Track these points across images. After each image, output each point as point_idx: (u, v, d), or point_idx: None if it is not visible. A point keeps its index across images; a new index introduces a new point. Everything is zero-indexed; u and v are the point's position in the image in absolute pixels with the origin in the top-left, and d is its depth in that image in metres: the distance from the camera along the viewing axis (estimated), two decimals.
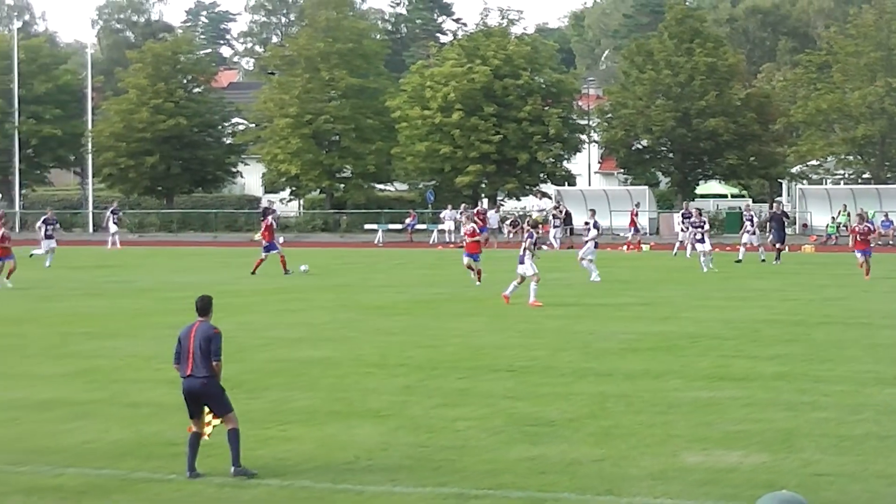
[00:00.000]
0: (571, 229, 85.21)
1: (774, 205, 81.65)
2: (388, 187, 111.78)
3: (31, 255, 61.28)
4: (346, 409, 24.84)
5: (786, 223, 67.12)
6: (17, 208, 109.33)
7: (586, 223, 58.95)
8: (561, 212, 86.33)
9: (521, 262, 41.52)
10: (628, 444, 21.54)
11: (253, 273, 53.22)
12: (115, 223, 67.35)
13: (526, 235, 43.59)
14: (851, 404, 25.00)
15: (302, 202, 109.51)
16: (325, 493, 18.47)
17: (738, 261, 62.03)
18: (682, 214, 74.24)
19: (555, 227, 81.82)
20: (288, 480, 19.24)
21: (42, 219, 64.08)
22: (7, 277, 50.20)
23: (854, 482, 18.59)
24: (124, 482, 19.38)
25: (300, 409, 24.91)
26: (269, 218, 55.62)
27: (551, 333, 36.23)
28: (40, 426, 23.91)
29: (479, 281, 48.57)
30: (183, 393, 18.82)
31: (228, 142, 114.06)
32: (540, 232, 51.17)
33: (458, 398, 25.90)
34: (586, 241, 55.19)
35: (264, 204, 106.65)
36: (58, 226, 67.85)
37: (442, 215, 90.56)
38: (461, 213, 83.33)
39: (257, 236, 54.69)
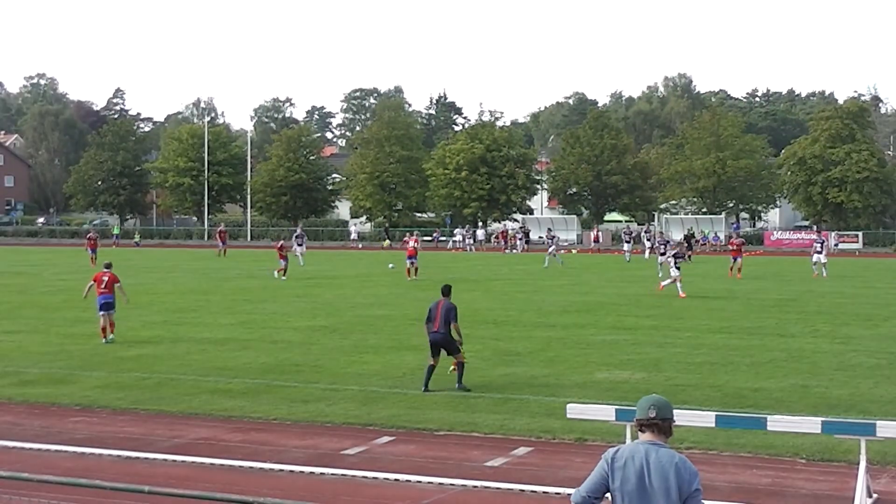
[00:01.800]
0: (528, 240, 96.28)
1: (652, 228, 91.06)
2: (423, 215, 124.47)
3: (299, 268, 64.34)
4: (398, 345, 27.30)
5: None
6: (205, 226, 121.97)
7: (549, 237, 69.33)
8: (525, 231, 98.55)
9: (677, 269, 42.90)
10: (564, 367, 23.45)
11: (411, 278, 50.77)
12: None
13: (671, 251, 46.24)
14: (695, 343, 27.31)
15: (372, 223, 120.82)
16: (386, 394, 20.25)
17: (628, 261, 70.37)
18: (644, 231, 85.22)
19: (519, 239, 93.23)
20: (364, 386, 21.07)
21: (295, 234, 69.41)
22: (283, 274, 52.11)
23: (697, 390, 20.31)
24: (268, 387, 21.13)
25: (371, 344, 27.35)
26: (415, 235, 56.57)
27: (519, 301, 39.52)
28: (219, 354, 25.91)
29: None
30: (430, 342, 20.70)
31: (330, 188, 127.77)
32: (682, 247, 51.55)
33: (464, 339, 24.85)
34: (551, 247, 64.21)
35: (352, 226, 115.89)
36: (306, 238, 71.07)
37: (455, 232, 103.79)
38: (466, 231, 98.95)
39: (411, 243, 53.82)
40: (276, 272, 52.80)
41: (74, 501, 11.66)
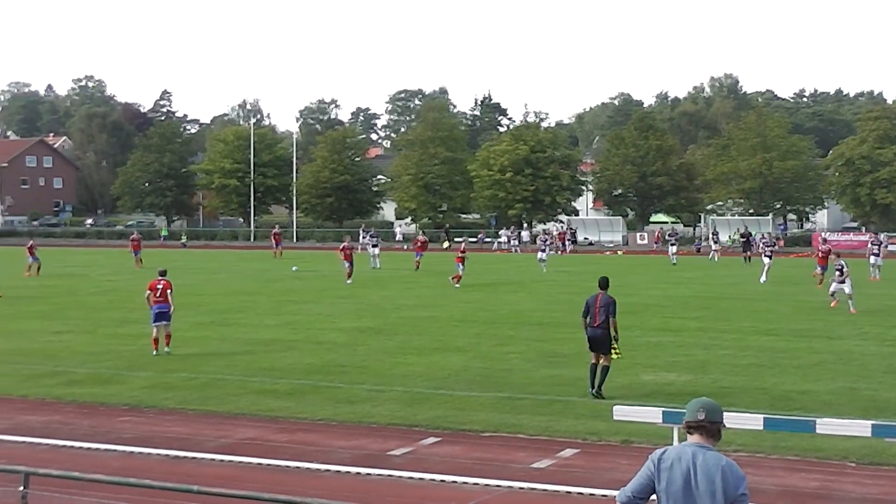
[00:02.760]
0: (575, 241, 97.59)
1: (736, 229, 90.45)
2: (467, 216, 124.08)
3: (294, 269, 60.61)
4: (442, 346, 27.37)
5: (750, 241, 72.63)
6: (251, 227, 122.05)
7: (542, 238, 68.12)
8: (572, 231, 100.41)
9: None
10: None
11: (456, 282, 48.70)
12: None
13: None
14: (741, 346, 27.18)
15: (416, 225, 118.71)
16: (432, 395, 20.30)
17: (674, 264, 67.76)
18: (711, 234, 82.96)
19: (568, 240, 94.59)
20: (408, 388, 21.09)
21: (369, 235, 70.03)
22: (350, 279, 50.21)
23: (744, 392, 20.18)
24: (314, 388, 21.22)
25: (416, 346, 27.44)
26: (464, 244, 54.68)
27: (564, 303, 39.22)
28: (265, 354, 26.07)
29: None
30: (588, 337, 19.99)
31: (374, 189, 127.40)
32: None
33: (508, 340, 28.33)
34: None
35: (397, 228, 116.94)
36: (380, 238, 69.64)
37: (500, 233, 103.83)
38: (511, 232, 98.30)
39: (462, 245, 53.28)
40: (347, 278, 50.84)
41: (123, 500, 11.77)
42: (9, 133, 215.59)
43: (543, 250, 62.12)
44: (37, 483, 9.62)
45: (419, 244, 62.86)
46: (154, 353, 25.99)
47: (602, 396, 19.38)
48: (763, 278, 49.67)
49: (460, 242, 57.92)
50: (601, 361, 19.75)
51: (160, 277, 26.72)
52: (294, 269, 60.57)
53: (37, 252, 57.53)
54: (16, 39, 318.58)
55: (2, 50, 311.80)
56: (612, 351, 19.76)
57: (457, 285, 47.41)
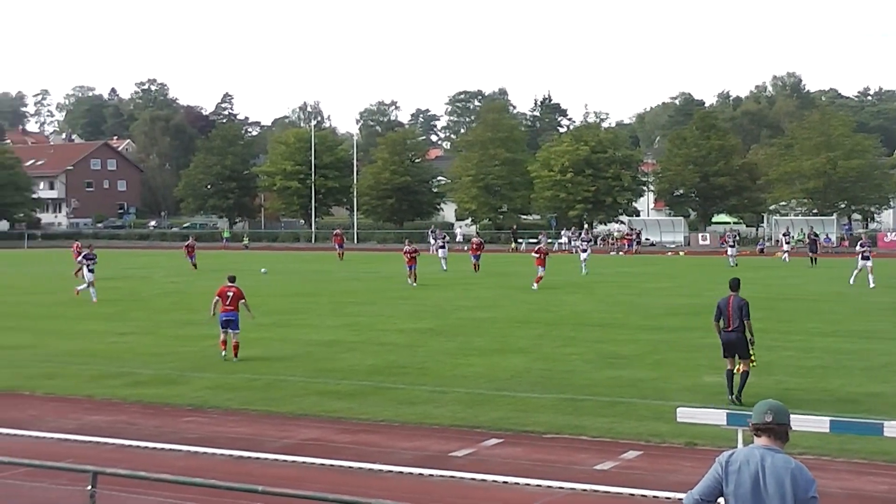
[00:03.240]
0: (640, 242, 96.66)
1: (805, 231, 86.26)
2: (527, 217, 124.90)
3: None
4: (504, 347, 27.35)
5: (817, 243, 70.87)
6: (312, 229, 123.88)
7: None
8: (637, 232, 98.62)
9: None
10: (671, 370, 23.33)
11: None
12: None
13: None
14: (805, 347, 27.03)
15: (477, 226, 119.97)
16: (493, 396, 20.29)
17: (733, 266, 65.07)
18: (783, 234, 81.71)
19: (633, 241, 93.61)
20: (470, 389, 21.10)
21: (434, 235, 71.83)
22: (414, 280, 49.76)
23: (808, 394, 20.03)
24: (376, 389, 21.37)
25: (476, 347, 27.46)
26: (543, 245, 53.87)
27: (624, 304, 39.36)
28: (326, 355, 26.16)
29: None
30: (722, 342, 19.57)
31: (434, 190, 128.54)
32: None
33: (569, 342, 28.27)
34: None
35: (457, 229, 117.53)
36: (447, 239, 69.44)
37: (561, 234, 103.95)
38: (572, 233, 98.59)
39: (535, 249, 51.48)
40: (409, 279, 50.58)
41: (189, 500, 11.87)
42: (74, 136, 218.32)
43: (585, 250, 60.92)
44: (104, 482, 9.71)
45: (475, 246, 61.50)
46: (223, 353, 25.68)
47: (741, 402, 18.65)
48: (871, 284, 46.68)
49: (538, 243, 57.32)
50: (739, 367, 19.25)
51: (230, 284, 25.96)
52: (263, 271, 59.16)
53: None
54: (80, 44, 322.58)
55: (67, 54, 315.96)
56: (750, 356, 19.29)
57: (535, 286, 46.88)
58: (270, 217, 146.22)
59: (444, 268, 60.45)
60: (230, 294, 25.61)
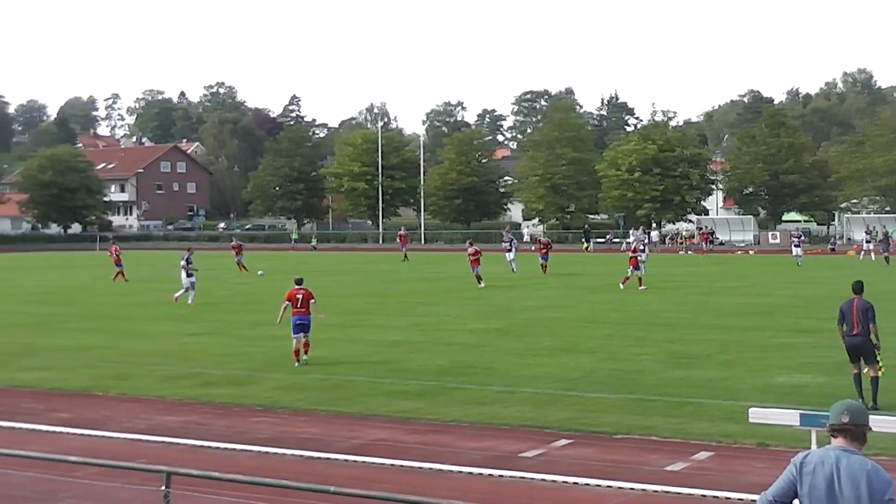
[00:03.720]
0: (713, 241, 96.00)
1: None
2: (595, 216, 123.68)
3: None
4: (572, 347, 27.31)
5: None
6: (380, 229, 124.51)
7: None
8: (710, 231, 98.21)
9: None
10: (742, 370, 23.08)
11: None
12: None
13: None
14: None
15: (544, 226, 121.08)
16: (560, 396, 20.25)
17: (799, 266, 64.44)
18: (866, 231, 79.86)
19: (710, 241, 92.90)
20: (538, 389, 21.07)
21: (507, 235, 68.21)
22: (479, 281, 48.55)
23: (884, 394, 19.28)
24: (444, 389, 21.43)
25: (545, 347, 27.43)
26: (635, 243, 54.77)
27: (693, 304, 39.17)
28: (394, 355, 26.37)
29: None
30: (846, 347, 19.09)
31: (501, 190, 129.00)
32: None
33: (638, 341, 28.17)
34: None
35: (525, 229, 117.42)
36: (515, 242, 67.05)
37: (630, 232, 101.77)
38: (640, 232, 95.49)
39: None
40: (478, 283, 48.86)
41: (260, 500, 11.94)
42: (144, 139, 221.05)
43: (643, 250, 56.19)
44: (176, 482, 9.74)
45: (543, 246, 59.80)
46: (296, 364, 24.92)
47: (878, 408, 17.96)
48: None
49: (631, 243, 56.68)
50: (866, 372, 18.72)
51: (298, 287, 25.25)
52: (259, 272, 58.60)
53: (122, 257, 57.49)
54: (150, 48, 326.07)
55: (137, 59, 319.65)
56: (877, 361, 18.67)
57: (641, 288, 46.26)
58: (338, 218, 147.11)
59: (514, 269, 59.50)
60: (300, 297, 25.00)
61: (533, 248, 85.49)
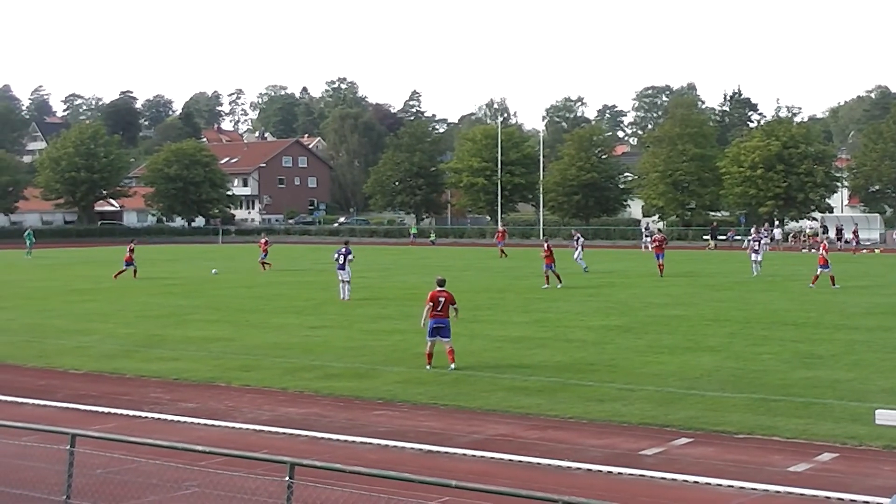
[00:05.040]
0: (840, 238, 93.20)
1: None
2: (716, 213, 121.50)
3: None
4: (694, 345, 27.07)
5: None
6: (498, 225, 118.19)
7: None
8: (839, 229, 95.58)
9: None
10: (869, 371, 22.74)
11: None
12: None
13: None
14: None
15: (664, 222, 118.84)
16: (683, 395, 20.17)
17: None
18: None
19: (844, 239, 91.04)
20: (659, 387, 20.99)
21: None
22: (546, 281, 46.99)
23: None
24: (564, 385, 21.46)
25: (666, 344, 27.23)
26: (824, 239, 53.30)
27: (819, 303, 38.52)
28: (514, 352, 26.34)
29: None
30: None
31: (622, 186, 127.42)
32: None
33: (761, 340, 27.83)
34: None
35: (647, 224, 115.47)
36: (583, 240, 62.93)
37: (751, 231, 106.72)
38: (761, 231, 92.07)
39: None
40: (547, 284, 47.41)
41: (380, 492, 12.01)
42: (266, 134, 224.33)
43: (756, 251, 54.93)
44: (299, 473, 9.99)
45: (657, 244, 56.62)
46: (427, 367, 23.68)
47: None
48: None
49: (750, 240, 55.20)
50: None
51: (440, 288, 23.76)
52: (213, 272, 56.56)
53: (134, 257, 55.77)
54: (273, 44, 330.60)
55: (260, 55, 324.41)
56: None
57: (811, 285, 45.56)
58: (457, 213, 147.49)
59: (585, 268, 56.97)
60: (441, 299, 23.63)
61: (649, 246, 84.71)
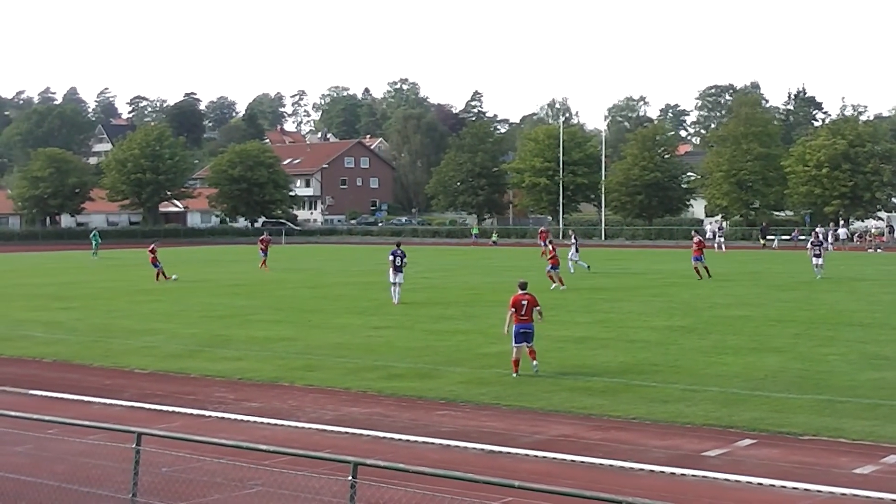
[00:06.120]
0: None
1: None
2: (780, 213, 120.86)
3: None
4: (759, 346, 26.91)
5: None
6: (560, 226, 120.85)
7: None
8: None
9: None
10: None
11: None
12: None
13: None
14: None
15: (728, 222, 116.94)
16: (748, 396, 20.07)
17: None
18: None
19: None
20: (723, 388, 20.93)
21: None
22: (554, 283, 46.95)
23: None
24: (627, 386, 21.48)
25: (731, 345, 27.11)
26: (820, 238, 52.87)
27: (886, 303, 38.22)
28: (577, 352, 26.41)
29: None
30: None
31: (685, 186, 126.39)
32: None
33: (827, 341, 27.66)
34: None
35: (707, 225, 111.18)
36: (578, 240, 61.41)
37: (816, 230, 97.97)
38: (827, 230, 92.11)
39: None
40: (553, 284, 46.48)
41: (443, 493, 12.08)
42: (329, 135, 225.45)
43: (818, 255, 52.04)
44: (362, 472, 10.04)
45: (696, 246, 52.91)
46: (514, 375, 22.99)
47: None
48: None
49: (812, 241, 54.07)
50: None
51: (523, 292, 23.13)
52: (174, 277, 54.21)
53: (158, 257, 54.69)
54: (336, 46, 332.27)
55: (323, 56, 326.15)
56: None
57: None
58: (519, 213, 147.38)
59: (572, 270, 55.30)
60: (524, 303, 22.99)
61: (723, 246, 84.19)
